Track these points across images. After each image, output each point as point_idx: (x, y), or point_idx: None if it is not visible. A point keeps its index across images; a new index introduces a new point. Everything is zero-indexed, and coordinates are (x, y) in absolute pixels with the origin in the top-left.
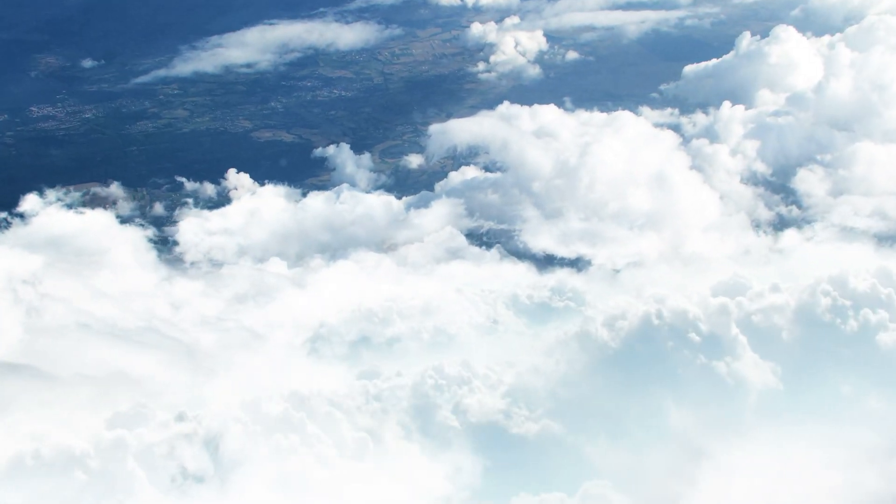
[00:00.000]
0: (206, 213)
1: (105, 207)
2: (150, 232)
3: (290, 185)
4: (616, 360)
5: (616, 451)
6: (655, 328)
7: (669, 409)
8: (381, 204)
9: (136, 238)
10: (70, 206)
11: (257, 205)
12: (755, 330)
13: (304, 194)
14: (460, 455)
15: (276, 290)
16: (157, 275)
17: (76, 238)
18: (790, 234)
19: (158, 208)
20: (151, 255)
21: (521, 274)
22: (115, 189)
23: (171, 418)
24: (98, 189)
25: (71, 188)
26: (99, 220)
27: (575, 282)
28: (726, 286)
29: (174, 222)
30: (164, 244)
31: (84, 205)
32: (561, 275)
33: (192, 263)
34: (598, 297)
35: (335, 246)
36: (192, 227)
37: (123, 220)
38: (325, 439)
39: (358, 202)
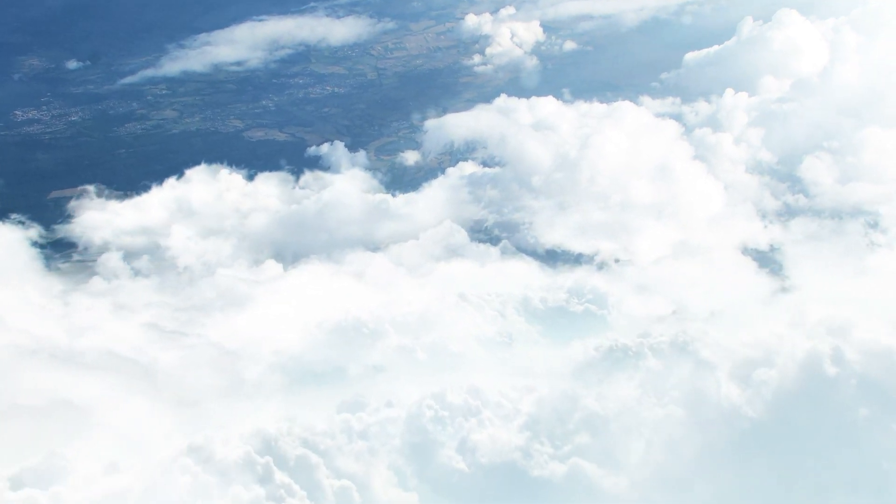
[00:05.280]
0: (113, 204)
1: None
2: (34, 232)
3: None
4: (760, 437)
5: None
6: (833, 383)
7: None
8: (365, 194)
9: (15, 238)
10: None
11: (182, 192)
12: None
13: (252, 177)
14: None
15: (247, 298)
16: (60, 285)
17: None
18: None
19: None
20: (38, 259)
21: (530, 273)
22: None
23: (100, 471)
24: None
25: None
26: None
27: (593, 281)
28: None
29: (68, 217)
30: (57, 247)
31: None
32: (576, 273)
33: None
34: (621, 299)
35: (306, 244)
36: (96, 223)
37: None
38: (297, 490)
39: (324, 186)
